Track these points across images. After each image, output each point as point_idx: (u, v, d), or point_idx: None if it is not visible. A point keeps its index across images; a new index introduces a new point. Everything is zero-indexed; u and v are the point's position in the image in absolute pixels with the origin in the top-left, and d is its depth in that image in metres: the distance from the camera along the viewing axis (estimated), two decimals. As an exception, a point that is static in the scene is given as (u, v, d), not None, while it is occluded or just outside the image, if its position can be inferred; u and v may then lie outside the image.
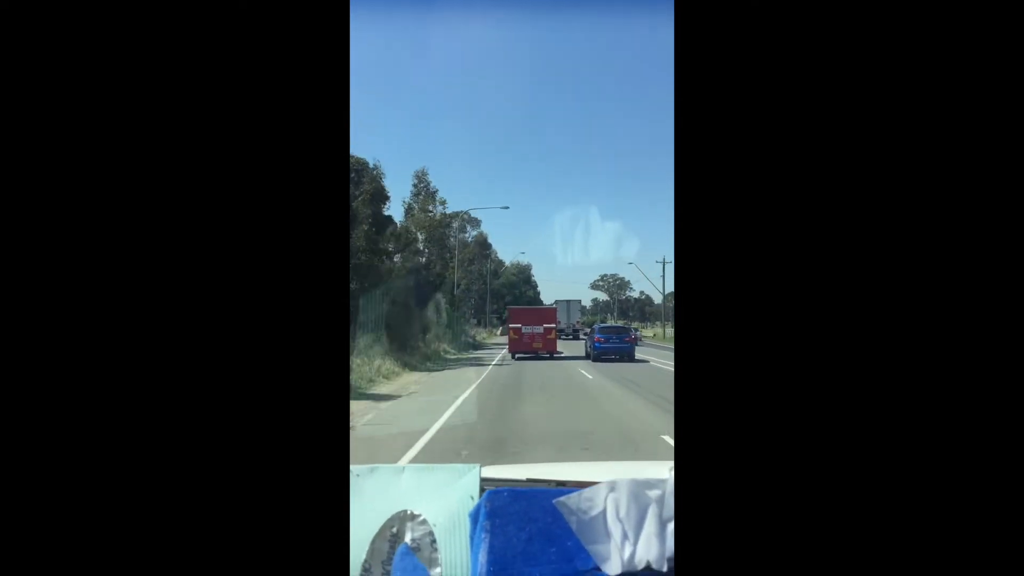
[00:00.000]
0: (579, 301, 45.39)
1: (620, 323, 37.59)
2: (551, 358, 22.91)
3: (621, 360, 19.74)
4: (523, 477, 1.43)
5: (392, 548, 1.08)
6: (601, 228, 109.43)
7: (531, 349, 22.91)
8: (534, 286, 75.58)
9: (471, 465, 1.15)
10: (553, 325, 23.65)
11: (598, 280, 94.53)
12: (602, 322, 36.85)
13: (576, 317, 42.18)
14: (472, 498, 1.09)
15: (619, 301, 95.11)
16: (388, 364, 16.89)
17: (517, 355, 23.09)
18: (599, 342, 20.46)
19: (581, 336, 36.12)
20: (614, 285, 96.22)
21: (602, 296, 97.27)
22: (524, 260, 74.94)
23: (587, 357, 21.47)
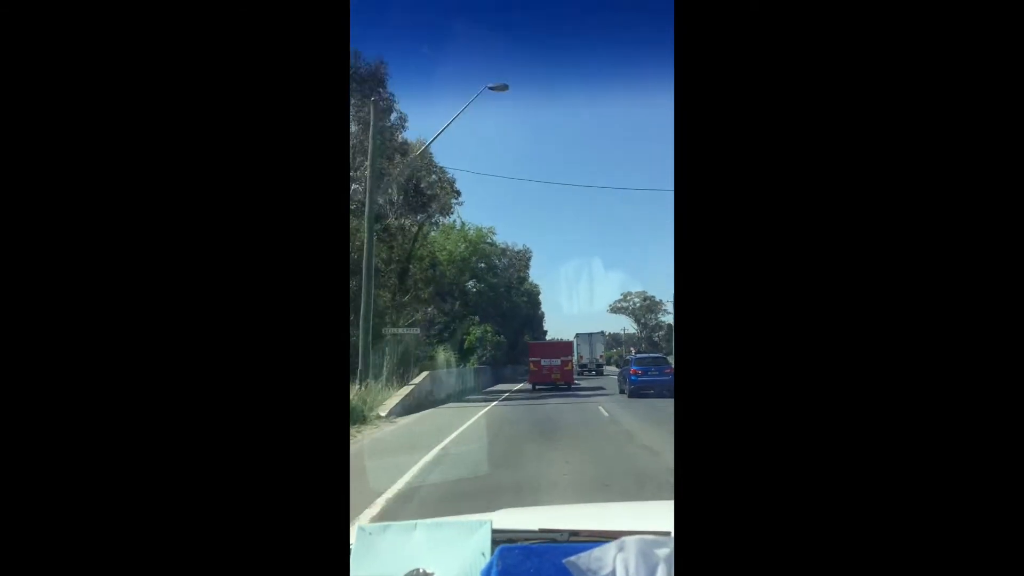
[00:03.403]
0: (602, 333, 42.48)
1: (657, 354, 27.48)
2: (568, 388, 23.36)
3: (660, 395, 16.71)
4: (535, 527, 1.38)
5: None
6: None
7: (550, 380, 24.02)
8: (534, 300, 42.71)
9: (482, 521, 1.16)
10: (570, 358, 25.39)
11: (620, 300, 75.54)
12: (629, 353, 35.17)
13: (600, 351, 38.64)
14: (484, 555, 1.11)
15: (648, 328, 75.00)
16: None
17: (537, 386, 23.84)
18: (636, 375, 18.13)
19: (605, 372, 36.06)
20: (641, 308, 75.32)
21: (622, 320, 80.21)
22: (521, 243, 43.34)
23: (621, 393, 19.27)
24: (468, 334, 27.58)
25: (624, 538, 1.03)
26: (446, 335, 25.88)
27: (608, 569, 1.01)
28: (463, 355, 28.25)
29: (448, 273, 25.81)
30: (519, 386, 27.68)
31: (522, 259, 44.27)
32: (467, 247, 27.54)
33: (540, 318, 52.39)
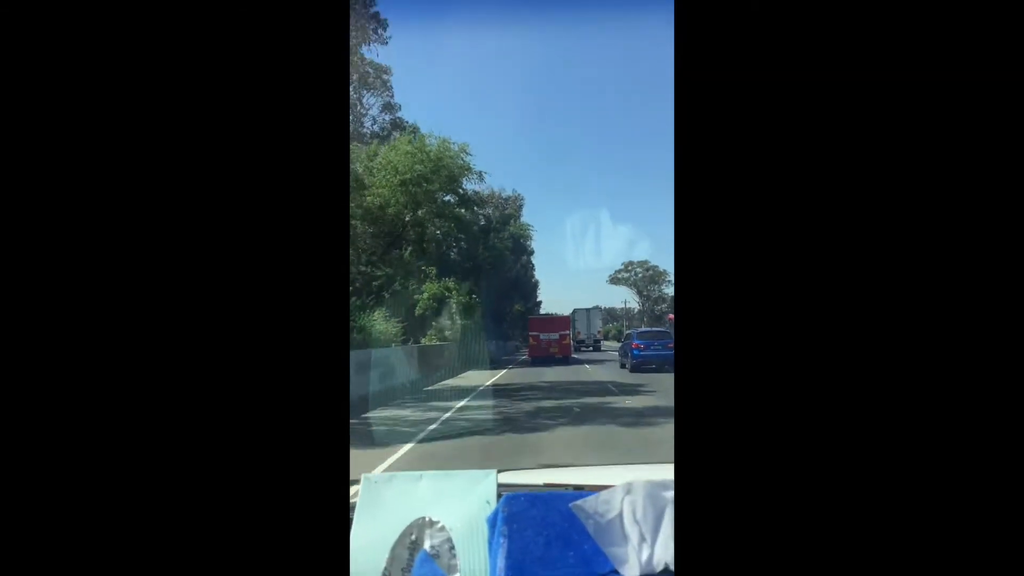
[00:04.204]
0: (599, 308, 41.31)
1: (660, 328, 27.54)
2: (566, 362, 23.61)
3: (661, 370, 16.79)
4: (540, 482, 1.41)
5: (412, 555, 1.11)
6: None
7: (548, 354, 24.45)
8: (526, 255, 38.03)
9: (488, 471, 1.17)
10: (568, 332, 26.35)
11: (621, 270, 69.65)
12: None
13: (598, 327, 37.65)
14: (489, 503, 1.12)
15: (651, 300, 69.22)
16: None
17: (536, 360, 24.20)
18: (638, 349, 18.01)
19: (603, 347, 36.21)
20: (644, 278, 69.68)
21: (622, 292, 74.75)
22: (510, 188, 37.49)
23: (623, 368, 19.22)
24: (420, 293, 18.60)
25: (631, 481, 1.03)
26: (385, 295, 16.90)
27: (615, 512, 1.02)
28: (420, 325, 19.41)
29: (392, 200, 16.62)
30: (499, 375, 18.42)
31: (512, 206, 35.39)
32: (424, 165, 18.05)
33: (534, 286, 43.80)
